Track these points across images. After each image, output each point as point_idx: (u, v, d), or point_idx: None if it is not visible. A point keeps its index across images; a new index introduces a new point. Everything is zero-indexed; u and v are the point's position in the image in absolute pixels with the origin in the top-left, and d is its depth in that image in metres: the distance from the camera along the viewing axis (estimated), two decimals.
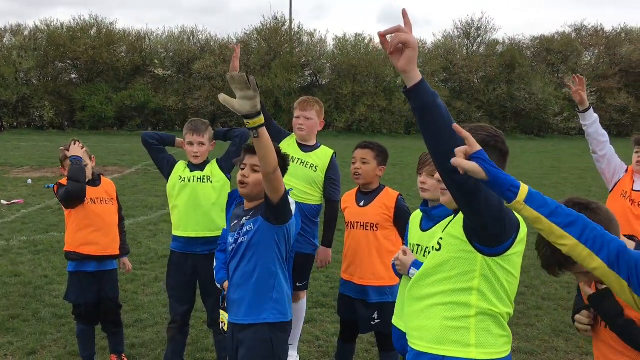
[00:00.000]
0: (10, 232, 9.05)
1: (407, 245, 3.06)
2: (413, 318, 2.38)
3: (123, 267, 4.82)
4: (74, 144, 4.37)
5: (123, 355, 4.67)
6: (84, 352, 4.53)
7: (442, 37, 42.77)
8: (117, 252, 4.61)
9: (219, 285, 3.41)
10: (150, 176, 15.85)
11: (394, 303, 3.96)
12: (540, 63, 42.26)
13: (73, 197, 4.26)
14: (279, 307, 3.07)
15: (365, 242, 3.88)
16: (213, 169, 4.29)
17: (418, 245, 2.91)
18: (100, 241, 4.42)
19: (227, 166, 4.30)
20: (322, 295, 6.42)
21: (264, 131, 2.71)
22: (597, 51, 43.28)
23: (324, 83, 40.36)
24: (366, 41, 41.54)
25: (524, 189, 1.83)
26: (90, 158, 4.52)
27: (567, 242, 1.78)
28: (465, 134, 2.00)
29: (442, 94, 39.60)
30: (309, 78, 40.61)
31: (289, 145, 4.51)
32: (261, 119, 2.66)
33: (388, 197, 3.89)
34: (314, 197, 4.45)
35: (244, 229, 3.04)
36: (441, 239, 2.35)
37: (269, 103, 37.88)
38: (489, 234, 2.10)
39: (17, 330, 5.28)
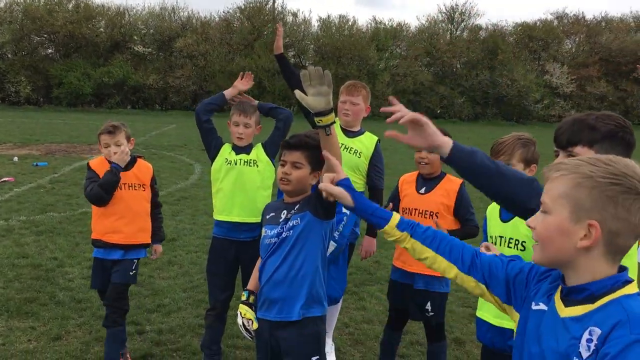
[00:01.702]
0: (8, 211, 8.78)
1: (485, 238, 2.99)
2: None
3: (154, 252, 4.63)
4: (122, 152, 4.08)
5: None
6: None
7: (426, 21, 42.78)
8: (147, 241, 4.33)
9: None
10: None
11: (446, 294, 3.93)
12: (522, 49, 42.59)
13: (93, 200, 4.11)
14: (323, 301, 3.02)
15: None
16: (259, 153, 4.16)
17: (501, 237, 2.85)
18: (125, 229, 4.15)
19: (272, 151, 4.17)
20: None
21: (333, 130, 2.69)
22: (577, 39, 43.82)
23: (307, 65, 40.08)
24: (350, 23, 41.36)
25: (395, 218, 2.02)
26: (129, 140, 4.28)
27: (428, 255, 1.91)
28: (334, 161, 2.26)
29: (425, 78, 39.96)
30: (292, 59, 40.27)
31: None
32: (332, 116, 2.62)
33: (450, 183, 3.79)
34: (357, 184, 4.33)
35: (290, 224, 2.91)
36: None
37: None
38: None
39: (37, 314, 5.10)
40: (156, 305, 5.46)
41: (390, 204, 3.89)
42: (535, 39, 42.85)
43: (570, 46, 44.34)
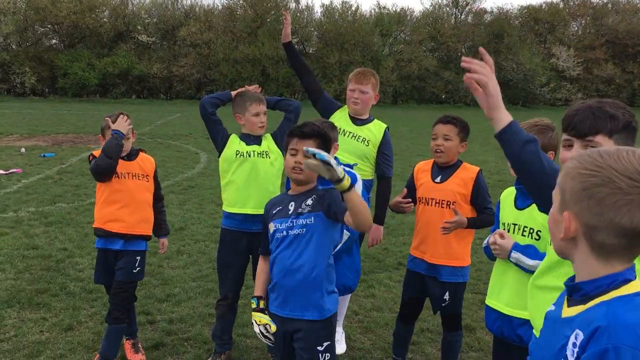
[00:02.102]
0: (17, 202, 8.82)
1: (497, 224, 2.96)
2: (541, 309, 2.29)
3: (161, 246, 4.62)
4: (122, 117, 4.07)
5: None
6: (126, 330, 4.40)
7: (430, 6, 42.50)
8: (148, 233, 4.29)
9: None
10: (146, 145, 15.57)
11: (464, 284, 3.89)
12: (527, 33, 42.26)
13: (100, 171, 4.02)
14: (335, 296, 3.04)
15: (441, 219, 3.62)
16: (269, 144, 4.15)
17: (515, 225, 2.81)
18: (127, 218, 4.11)
19: (282, 142, 4.16)
20: None
21: (351, 195, 2.61)
22: (583, 21, 43.42)
23: (311, 52, 39.89)
24: (353, 8, 41.09)
25: None
26: (132, 133, 4.26)
27: None
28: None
29: (430, 63, 39.72)
30: (295, 46, 40.11)
31: (340, 118, 4.37)
32: (344, 184, 2.59)
33: (467, 172, 3.70)
34: (365, 172, 4.32)
35: (302, 221, 2.89)
36: None
37: (256, 72, 37.35)
38: None
39: (48, 305, 5.13)
40: (166, 294, 5.48)
41: (405, 190, 3.85)
42: (541, 21, 42.49)
43: (576, 28, 43.98)
